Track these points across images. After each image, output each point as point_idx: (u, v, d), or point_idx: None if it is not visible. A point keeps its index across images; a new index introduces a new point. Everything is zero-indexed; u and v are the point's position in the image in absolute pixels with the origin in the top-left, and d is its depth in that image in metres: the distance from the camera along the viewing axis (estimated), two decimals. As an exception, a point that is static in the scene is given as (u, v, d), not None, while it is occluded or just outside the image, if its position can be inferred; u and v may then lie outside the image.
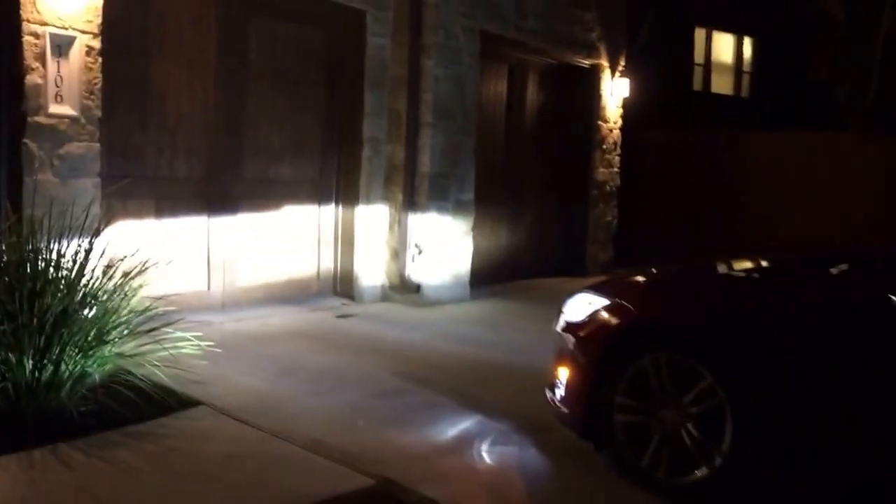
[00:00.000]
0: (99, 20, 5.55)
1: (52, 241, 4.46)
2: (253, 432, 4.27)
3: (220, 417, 4.45)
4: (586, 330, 4.15)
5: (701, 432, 3.72)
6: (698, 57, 16.26)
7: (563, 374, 4.20)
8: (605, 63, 10.72)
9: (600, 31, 10.53)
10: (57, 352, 4.15)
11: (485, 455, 4.28)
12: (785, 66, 15.74)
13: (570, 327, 4.24)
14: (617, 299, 4.18)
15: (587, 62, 10.49)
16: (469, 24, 8.26)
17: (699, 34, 16.15)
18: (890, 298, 3.60)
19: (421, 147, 7.98)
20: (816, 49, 14.62)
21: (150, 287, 4.76)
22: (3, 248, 4.38)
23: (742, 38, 17.01)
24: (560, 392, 4.22)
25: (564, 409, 4.20)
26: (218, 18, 6.74)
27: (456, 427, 4.62)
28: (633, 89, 11.39)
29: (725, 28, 16.55)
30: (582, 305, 4.25)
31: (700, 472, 3.71)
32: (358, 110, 7.76)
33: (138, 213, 6.30)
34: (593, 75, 10.70)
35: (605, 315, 4.13)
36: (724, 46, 16.82)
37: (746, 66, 17.24)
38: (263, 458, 3.96)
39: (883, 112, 13.51)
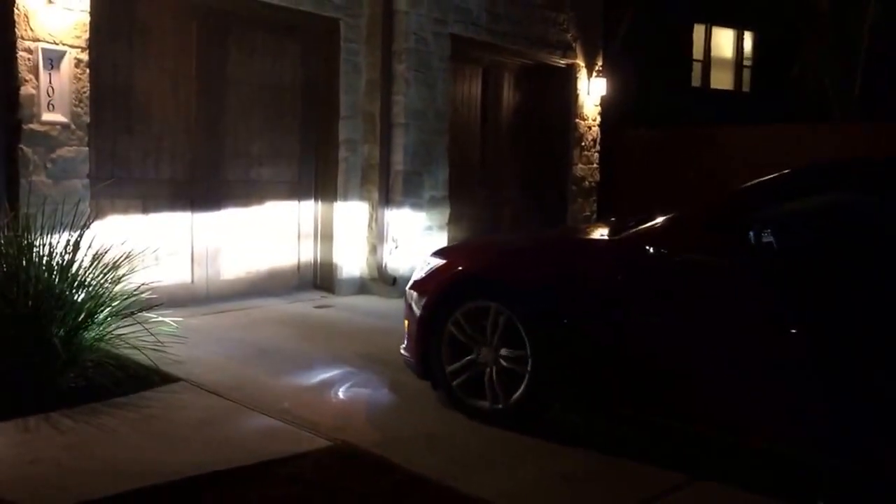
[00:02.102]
0: (86, 35, 6.02)
1: (46, 235, 4.95)
2: (226, 403, 4.73)
3: (197, 391, 4.91)
4: (423, 286, 4.87)
5: (509, 368, 4.44)
6: (697, 53, 16.56)
7: (407, 325, 4.96)
8: (581, 63, 11.14)
9: (575, 32, 10.95)
10: (49, 332, 4.60)
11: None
12: (787, 59, 15.92)
13: (413, 285, 4.97)
14: (448, 259, 4.94)
15: (563, 62, 10.91)
16: (440, 29, 8.72)
17: (698, 30, 16.45)
18: (646, 250, 4.04)
19: (394, 147, 8.43)
20: (802, 40, 14.95)
21: (137, 278, 5.23)
22: (2, 241, 4.85)
23: (742, 33, 17.22)
24: (405, 342, 4.98)
25: (408, 356, 4.94)
26: (199, 30, 7.20)
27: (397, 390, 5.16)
28: (627, 87, 11.84)
29: (725, 23, 16.76)
30: (424, 266, 5.01)
31: (507, 401, 4.43)
32: (334, 113, 8.23)
33: (125, 212, 6.77)
34: (570, 75, 11.10)
35: (438, 272, 4.85)
36: (723, 41, 17.07)
37: (747, 61, 17.50)
38: (233, 423, 4.43)
39: (869, 100, 13.91)
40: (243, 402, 4.75)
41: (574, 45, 10.93)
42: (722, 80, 17.08)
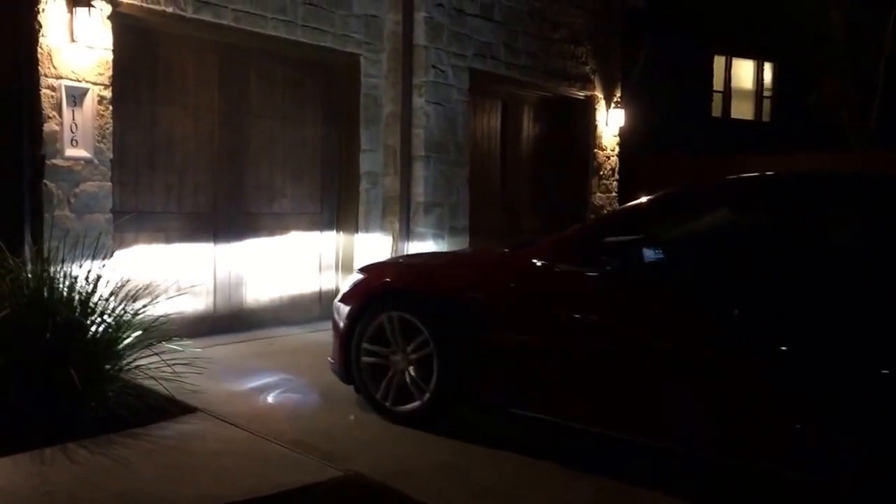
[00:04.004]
0: (109, 72, 6.16)
1: (69, 268, 5.03)
2: (241, 433, 4.76)
3: (213, 421, 4.95)
4: (346, 298, 5.35)
5: (420, 372, 4.91)
6: (717, 84, 16.62)
7: (333, 334, 5.40)
8: (599, 95, 11.26)
9: (594, 65, 11.08)
10: (68, 364, 4.64)
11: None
12: (806, 90, 15.96)
13: (341, 298, 5.42)
14: (369, 274, 5.42)
15: (582, 94, 11.02)
16: (459, 63, 8.83)
17: (718, 61, 16.53)
18: (534, 262, 4.62)
19: (415, 179, 8.54)
20: (820, 71, 14.94)
21: (159, 309, 5.31)
22: (28, 275, 4.94)
23: (762, 64, 17.28)
24: (332, 350, 5.41)
25: (333, 362, 5.40)
26: (221, 65, 7.32)
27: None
28: (647, 117, 11.92)
29: (744, 54, 16.86)
30: (349, 281, 5.51)
31: (417, 402, 4.92)
32: (355, 146, 8.34)
33: (149, 244, 6.86)
34: (588, 106, 11.24)
35: (359, 286, 5.35)
36: (743, 72, 17.13)
37: (767, 91, 17.54)
38: (248, 454, 4.45)
39: (885, 130, 13.86)
40: (258, 431, 4.79)
41: (592, 77, 11.03)
42: (742, 110, 17.08)
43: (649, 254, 4.39)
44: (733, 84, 16.97)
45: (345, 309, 5.28)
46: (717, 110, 16.68)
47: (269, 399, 5.55)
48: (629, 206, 4.78)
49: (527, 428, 4.79)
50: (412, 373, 4.94)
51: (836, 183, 4.49)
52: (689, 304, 4.14)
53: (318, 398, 5.59)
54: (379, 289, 5.22)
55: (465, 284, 4.87)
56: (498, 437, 4.78)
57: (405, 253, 8.30)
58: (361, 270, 5.57)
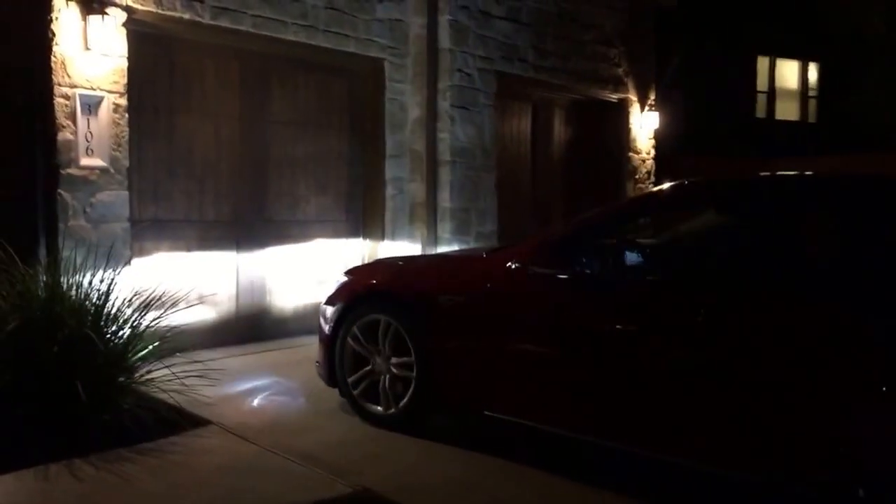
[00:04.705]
0: (124, 81, 6.09)
1: (83, 278, 4.95)
2: (251, 448, 4.65)
3: (224, 435, 4.84)
4: (330, 300, 5.37)
5: (400, 375, 4.95)
6: (761, 84, 16.34)
7: (319, 337, 5.44)
8: (633, 97, 11.02)
9: (627, 66, 10.84)
10: (80, 375, 4.54)
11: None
12: (851, 90, 15.67)
13: (326, 300, 5.44)
14: (353, 276, 5.48)
15: (615, 96, 10.79)
16: (485, 66, 8.67)
17: (762, 62, 16.25)
18: (508, 265, 4.61)
19: (441, 185, 8.39)
20: (862, 70, 14.62)
21: (179, 319, 5.22)
22: (41, 285, 4.87)
23: (807, 64, 16.98)
24: (318, 354, 5.44)
25: (318, 365, 5.43)
26: (241, 71, 7.23)
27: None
28: (687, 118, 11.67)
29: (789, 55, 16.58)
30: (335, 283, 5.51)
31: (399, 405, 4.94)
32: (380, 152, 8.21)
33: (168, 252, 6.77)
34: (622, 109, 11.00)
35: (343, 288, 5.37)
36: (788, 73, 16.84)
37: (812, 91, 17.20)
38: (256, 469, 4.34)
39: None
40: (269, 446, 4.67)
41: (626, 79, 10.81)
42: (787, 111, 16.70)
43: (631, 257, 4.39)
44: (778, 85, 16.64)
45: (329, 311, 5.30)
46: (761, 111, 16.35)
47: (281, 410, 5.46)
48: (605, 209, 4.87)
49: (526, 436, 4.67)
50: (393, 375, 4.97)
51: (821, 185, 4.39)
52: (657, 306, 4.09)
53: (331, 409, 5.44)
54: (361, 291, 5.25)
55: (442, 287, 4.89)
56: (496, 445, 4.66)
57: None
58: (348, 273, 5.59)
